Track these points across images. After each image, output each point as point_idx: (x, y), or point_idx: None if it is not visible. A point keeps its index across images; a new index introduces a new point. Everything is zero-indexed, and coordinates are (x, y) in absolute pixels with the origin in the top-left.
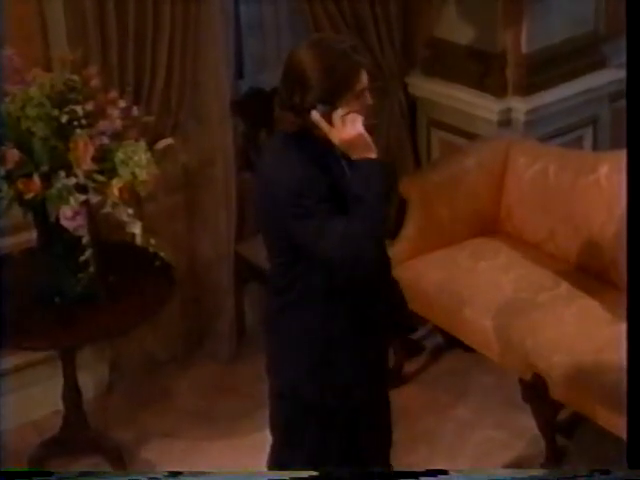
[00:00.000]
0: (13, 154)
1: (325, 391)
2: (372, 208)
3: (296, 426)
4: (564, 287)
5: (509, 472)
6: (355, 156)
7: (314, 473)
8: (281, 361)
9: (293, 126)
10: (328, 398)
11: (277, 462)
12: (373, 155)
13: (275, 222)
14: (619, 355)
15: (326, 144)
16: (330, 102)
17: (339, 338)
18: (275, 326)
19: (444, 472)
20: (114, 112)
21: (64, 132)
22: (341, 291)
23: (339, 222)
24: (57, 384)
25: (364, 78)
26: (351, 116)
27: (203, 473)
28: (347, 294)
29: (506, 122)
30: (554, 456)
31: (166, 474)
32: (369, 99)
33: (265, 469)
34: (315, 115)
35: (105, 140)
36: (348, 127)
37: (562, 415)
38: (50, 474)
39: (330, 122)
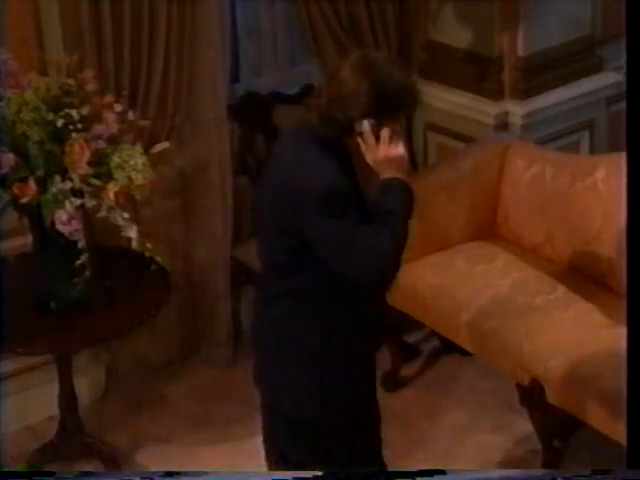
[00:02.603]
0: (8, 158)
1: (319, 408)
2: (401, 225)
3: (287, 440)
4: (561, 291)
5: (509, 472)
6: (386, 175)
7: (318, 473)
8: (273, 374)
9: (329, 133)
10: (323, 415)
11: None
12: (404, 178)
13: (292, 221)
14: (616, 359)
15: (349, 155)
16: (378, 119)
17: (336, 352)
18: (266, 337)
19: (442, 472)
20: (110, 116)
21: (60, 136)
22: (340, 302)
23: (368, 230)
24: (53, 389)
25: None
26: (396, 136)
27: (200, 473)
28: (347, 306)
29: (503, 126)
30: (551, 460)
31: (162, 474)
32: (398, 127)
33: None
34: (365, 126)
35: (101, 144)
36: (393, 146)
37: (559, 419)
38: (52, 474)
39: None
